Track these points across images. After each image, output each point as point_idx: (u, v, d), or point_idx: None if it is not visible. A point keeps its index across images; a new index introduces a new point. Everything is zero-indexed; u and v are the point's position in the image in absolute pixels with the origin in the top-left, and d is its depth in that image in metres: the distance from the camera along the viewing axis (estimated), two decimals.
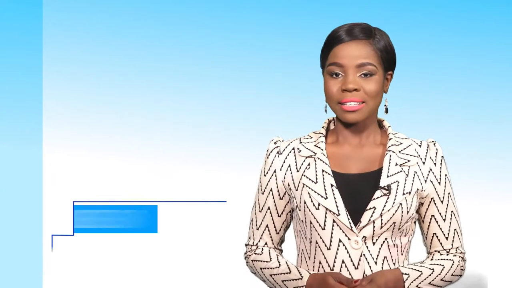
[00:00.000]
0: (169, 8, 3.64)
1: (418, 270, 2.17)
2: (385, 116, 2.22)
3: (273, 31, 3.63)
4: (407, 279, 2.14)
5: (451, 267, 2.21)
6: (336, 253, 2.13)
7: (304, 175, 2.17)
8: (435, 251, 2.24)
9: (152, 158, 3.64)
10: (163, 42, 3.66)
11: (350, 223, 2.12)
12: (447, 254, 2.23)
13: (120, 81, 3.65)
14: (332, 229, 2.13)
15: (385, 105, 2.20)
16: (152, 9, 3.64)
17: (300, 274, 2.17)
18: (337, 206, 2.12)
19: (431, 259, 2.22)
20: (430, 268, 2.18)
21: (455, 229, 2.23)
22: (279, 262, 2.22)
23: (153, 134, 3.65)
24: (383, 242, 2.14)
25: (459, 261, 2.23)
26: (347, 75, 2.13)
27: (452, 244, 2.23)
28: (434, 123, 3.59)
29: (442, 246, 2.23)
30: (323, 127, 2.25)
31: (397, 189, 2.14)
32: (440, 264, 2.20)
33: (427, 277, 2.17)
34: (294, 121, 3.52)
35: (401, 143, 2.21)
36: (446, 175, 2.21)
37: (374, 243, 2.13)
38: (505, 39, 3.59)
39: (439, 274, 2.19)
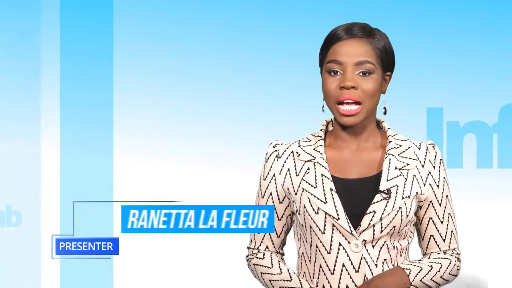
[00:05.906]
0: (238, 14, 3.63)
1: (418, 266, 2.18)
2: (383, 116, 2.22)
3: (273, 31, 3.62)
4: (409, 273, 2.15)
5: (449, 266, 2.22)
6: (337, 257, 2.13)
7: (304, 180, 2.17)
8: (432, 252, 2.25)
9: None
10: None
11: (350, 227, 2.12)
12: (444, 254, 2.24)
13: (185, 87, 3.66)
14: (332, 233, 2.13)
15: (384, 107, 2.21)
16: (222, 16, 3.63)
17: (301, 284, 2.18)
18: (336, 211, 2.12)
19: (429, 258, 2.23)
20: (428, 265, 2.19)
21: (452, 231, 2.24)
22: (280, 269, 2.22)
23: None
24: (383, 244, 2.15)
25: (455, 261, 2.24)
26: (345, 72, 2.12)
27: (449, 246, 2.24)
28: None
29: (439, 248, 2.24)
30: (321, 130, 2.24)
31: (397, 193, 2.14)
32: (438, 263, 2.21)
33: (428, 273, 2.18)
34: (294, 121, 3.52)
35: (400, 146, 2.20)
36: (444, 177, 2.21)
37: (373, 246, 2.14)
38: (505, 39, 3.59)
39: (438, 271, 2.20)
